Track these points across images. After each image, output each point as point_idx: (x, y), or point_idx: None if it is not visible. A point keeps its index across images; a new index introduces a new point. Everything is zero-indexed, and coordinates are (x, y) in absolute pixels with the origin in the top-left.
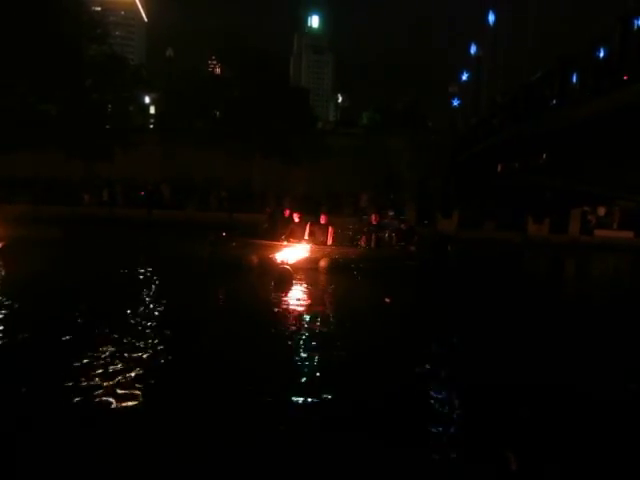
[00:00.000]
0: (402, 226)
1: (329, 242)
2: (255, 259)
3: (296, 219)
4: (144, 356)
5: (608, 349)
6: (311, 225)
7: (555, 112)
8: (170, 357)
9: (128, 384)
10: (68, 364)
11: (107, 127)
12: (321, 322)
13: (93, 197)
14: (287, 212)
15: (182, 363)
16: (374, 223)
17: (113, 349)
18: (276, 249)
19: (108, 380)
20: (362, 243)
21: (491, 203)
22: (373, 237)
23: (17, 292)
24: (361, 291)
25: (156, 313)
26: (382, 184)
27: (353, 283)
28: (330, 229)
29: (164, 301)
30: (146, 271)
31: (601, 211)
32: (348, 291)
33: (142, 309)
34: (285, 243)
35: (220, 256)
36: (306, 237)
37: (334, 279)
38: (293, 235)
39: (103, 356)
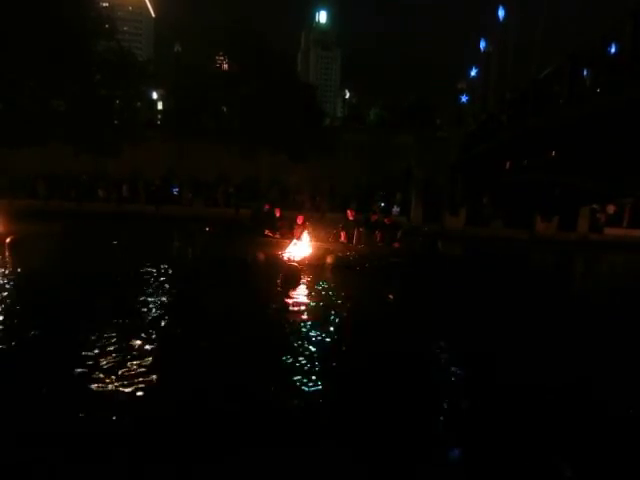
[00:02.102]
0: (385, 221)
1: (299, 238)
2: (262, 255)
3: (277, 214)
4: (147, 351)
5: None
6: (285, 221)
7: (565, 108)
8: (176, 353)
9: (130, 377)
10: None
11: (115, 123)
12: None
13: (110, 193)
14: (268, 207)
15: (188, 359)
16: (350, 219)
17: (118, 338)
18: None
19: (111, 374)
20: (342, 239)
21: (499, 200)
22: (355, 233)
23: (26, 284)
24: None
25: (159, 308)
26: (401, 180)
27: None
28: (301, 226)
29: (166, 297)
30: (148, 265)
31: (610, 209)
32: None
33: (146, 303)
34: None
35: (203, 250)
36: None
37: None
38: (274, 230)
39: (108, 349)
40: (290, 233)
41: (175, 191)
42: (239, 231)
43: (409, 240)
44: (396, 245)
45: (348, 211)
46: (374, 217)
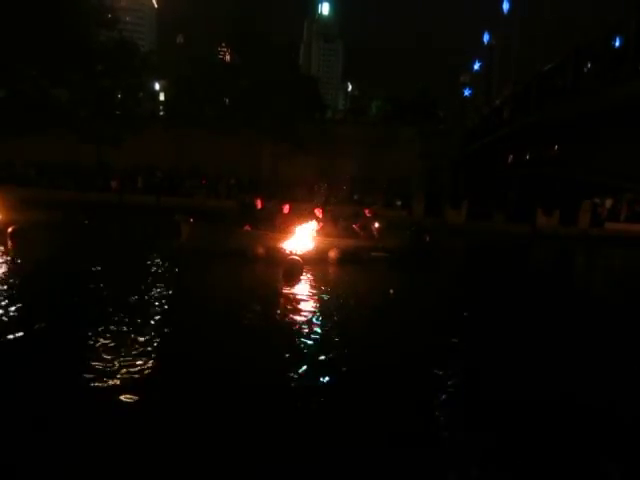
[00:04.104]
0: (366, 212)
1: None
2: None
3: (258, 206)
4: (145, 344)
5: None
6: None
7: (568, 102)
8: (175, 347)
9: (133, 370)
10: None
11: (117, 113)
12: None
13: (124, 184)
14: (247, 199)
15: (188, 354)
16: (319, 216)
17: (120, 332)
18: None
19: (112, 369)
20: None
21: (501, 194)
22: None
23: (27, 275)
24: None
25: (158, 301)
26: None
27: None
28: (287, 215)
29: (166, 290)
30: (143, 256)
31: (608, 203)
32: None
33: (144, 297)
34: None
35: (189, 242)
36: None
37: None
38: (255, 223)
39: (110, 343)
40: (274, 225)
41: (202, 183)
42: (225, 222)
43: (395, 233)
44: (375, 235)
45: (316, 210)
46: (366, 210)
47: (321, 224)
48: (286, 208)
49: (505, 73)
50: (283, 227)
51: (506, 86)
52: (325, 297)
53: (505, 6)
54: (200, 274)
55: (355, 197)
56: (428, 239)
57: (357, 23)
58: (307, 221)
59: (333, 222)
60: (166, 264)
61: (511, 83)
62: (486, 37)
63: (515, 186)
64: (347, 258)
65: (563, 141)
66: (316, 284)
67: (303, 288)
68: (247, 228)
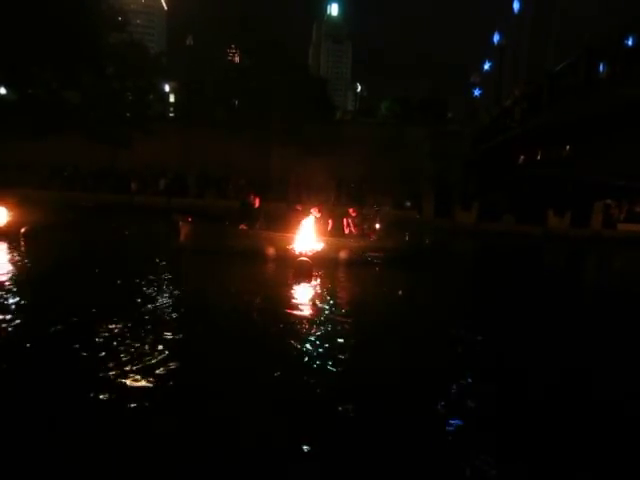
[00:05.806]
0: (350, 211)
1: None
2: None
3: (256, 204)
4: (158, 343)
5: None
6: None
7: (580, 102)
8: (184, 347)
9: (139, 370)
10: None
11: (127, 115)
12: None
13: (144, 186)
14: (248, 197)
15: (196, 354)
16: (317, 216)
17: (129, 333)
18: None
19: (117, 371)
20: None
21: (511, 195)
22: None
23: (36, 276)
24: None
25: (165, 301)
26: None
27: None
28: (301, 213)
29: (168, 290)
30: (150, 256)
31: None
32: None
33: (152, 296)
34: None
35: (187, 242)
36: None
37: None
38: (250, 222)
39: (119, 345)
40: (270, 224)
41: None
42: (225, 221)
43: (395, 233)
44: (371, 235)
45: (313, 209)
46: (350, 209)
47: (319, 223)
48: (300, 208)
49: (515, 73)
50: (292, 227)
51: (517, 86)
52: (332, 300)
53: (516, 6)
54: (202, 274)
55: (356, 197)
56: (428, 241)
57: (366, 24)
58: (308, 220)
59: (329, 221)
60: (166, 264)
61: (522, 83)
62: (496, 37)
63: (526, 187)
64: (343, 258)
65: (575, 142)
66: (324, 286)
67: (312, 289)
68: (243, 227)
